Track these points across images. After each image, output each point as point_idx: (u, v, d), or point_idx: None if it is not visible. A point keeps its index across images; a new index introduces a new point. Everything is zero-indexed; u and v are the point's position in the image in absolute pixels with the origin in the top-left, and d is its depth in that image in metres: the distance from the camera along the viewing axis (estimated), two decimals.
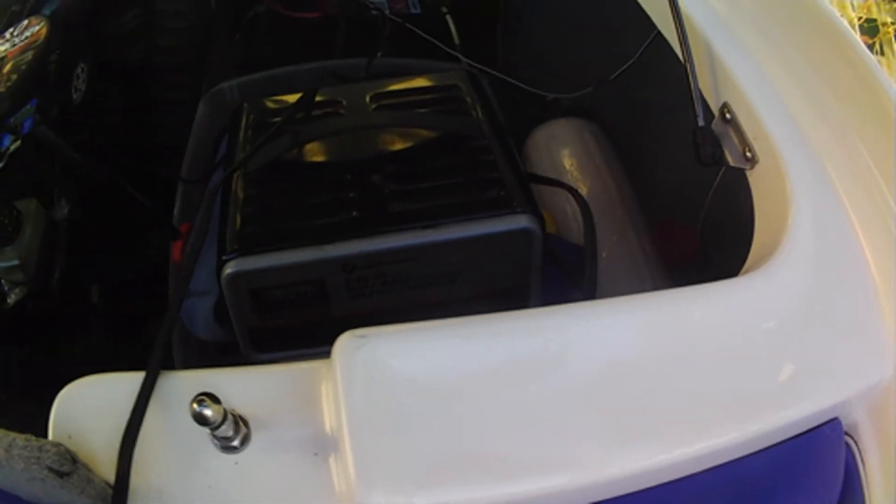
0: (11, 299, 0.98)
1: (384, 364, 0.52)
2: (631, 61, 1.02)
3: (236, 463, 0.52)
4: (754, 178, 0.70)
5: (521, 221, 0.75)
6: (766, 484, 0.57)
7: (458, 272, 0.78)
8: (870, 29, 2.41)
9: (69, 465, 0.51)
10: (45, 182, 1.03)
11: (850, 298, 0.61)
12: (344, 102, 0.93)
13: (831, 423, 0.58)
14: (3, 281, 0.98)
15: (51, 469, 0.50)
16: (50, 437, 0.54)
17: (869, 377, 0.58)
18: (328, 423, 0.53)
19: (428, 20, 1.32)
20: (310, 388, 0.55)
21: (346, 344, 0.53)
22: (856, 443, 0.61)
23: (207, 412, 0.49)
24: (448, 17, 1.35)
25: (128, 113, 1.26)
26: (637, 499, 0.53)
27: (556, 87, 1.16)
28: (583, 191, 0.99)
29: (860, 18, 2.42)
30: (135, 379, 0.56)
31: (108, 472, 0.52)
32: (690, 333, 0.57)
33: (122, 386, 0.56)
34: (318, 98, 0.93)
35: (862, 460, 0.61)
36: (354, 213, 0.78)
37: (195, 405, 0.50)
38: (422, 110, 0.92)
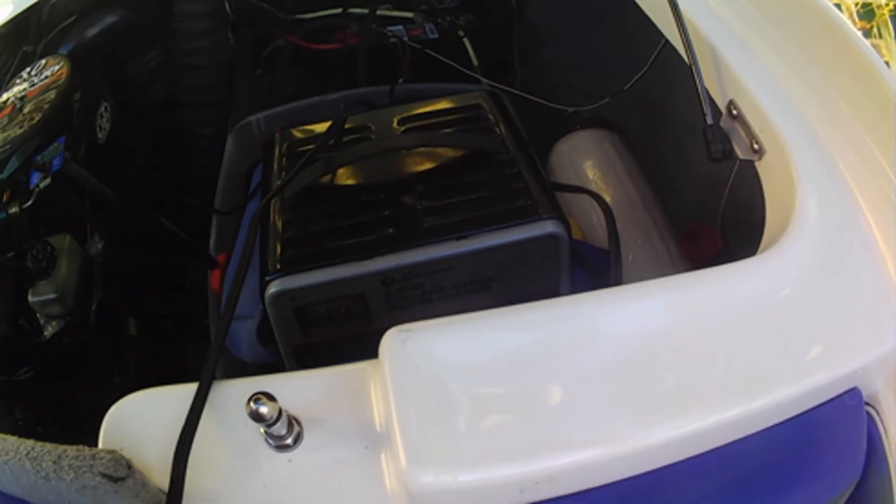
0: (48, 332, 1.01)
1: (429, 354, 0.59)
2: (643, 71, 1.09)
3: (290, 461, 0.57)
4: (763, 167, 0.76)
5: (547, 227, 0.81)
6: (790, 452, 0.61)
7: (491, 279, 0.84)
8: (866, 14, 2.53)
9: (124, 470, 0.53)
10: (77, 218, 1.07)
11: (860, 270, 0.67)
12: (372, 127, 1.01)
13: (850, 393, 0.63)
14: (38, 315, 1.02)
15: (104, 475, 0.52)
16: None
17: (883, 344, 0.63)
18: (377, 418, 0.58)
19: (445, 44, 1.40)
20: (358, 388, 0.60)
21: (393, 338, 0.59)
22: (877, 412, 0.65)
23: (263, 409, 0.54)
24: (465, 40, 1.42)
25: (155, 150, 1.32)
26: (671, 470, 0.57)
27: (574, 99, 1.23)
28: (607, 198, 1.04)
29: (857, 4, 2.53)
30: (182, 391, 0.61)
31: (160, 479, 0.56)
32: (711, 310, 0.63)
33: (170, 399, 0.61)
34: (347, 125, 1.00)
35: (884, 428, 0.65)
36: (390, 230, 0.84)
37: (251, 403, 0.54)
38: (447, 130, 0.99)
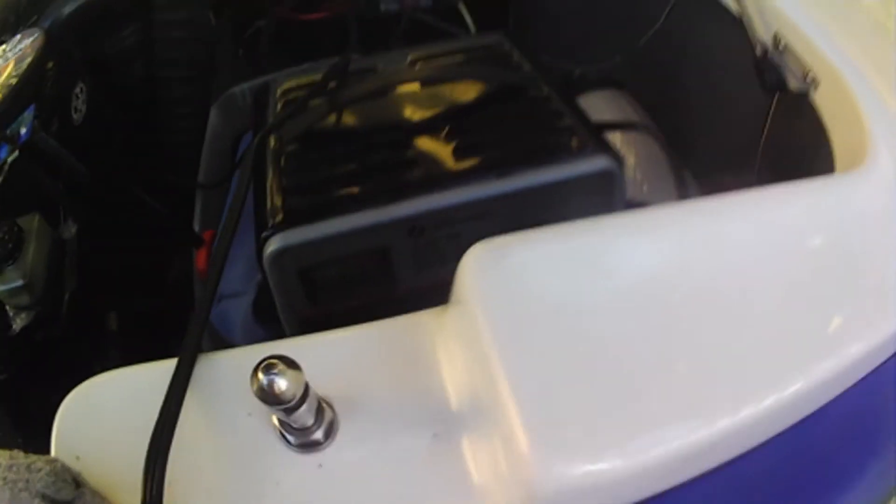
0: (17, 325, 0.94)
1: (541, 282, 0.45)
2: (657, 26, 1.05)
3: (320, 465, 0.42)
4: (820, 98, 0.72)
5: (600, 162, 0.72)
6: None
7: (536, 227, 0.76)
8: None
9: (69, 489, 0.41)
10: (47, 197, 1.01)
11: None
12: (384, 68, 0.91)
13: None
14: (7, 307, 0.95)
15: (45, 497, 0.40)
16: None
17: None
18: (450, 388, 0.44)
19: (440, 12, 1.35)
20: (416, 348, 0.47)
21: (483, 255, 0.45)
22: None
23: (281, 383, 0.37)
24: (462, 7, 1.36)
25: (134, 130, 1.26)
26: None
27: (578, 64, 1.19)
28: (630, 156, 1.01)
29: None
30: (159, 370, 0.47)
31: (129, 497, 0.42)
32: (790, 235, 0.56)
33: (143, 380, 0.48)
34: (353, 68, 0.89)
35: None
36: (415, 172, 0.74)
37: (260, 374, 0.37)
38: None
